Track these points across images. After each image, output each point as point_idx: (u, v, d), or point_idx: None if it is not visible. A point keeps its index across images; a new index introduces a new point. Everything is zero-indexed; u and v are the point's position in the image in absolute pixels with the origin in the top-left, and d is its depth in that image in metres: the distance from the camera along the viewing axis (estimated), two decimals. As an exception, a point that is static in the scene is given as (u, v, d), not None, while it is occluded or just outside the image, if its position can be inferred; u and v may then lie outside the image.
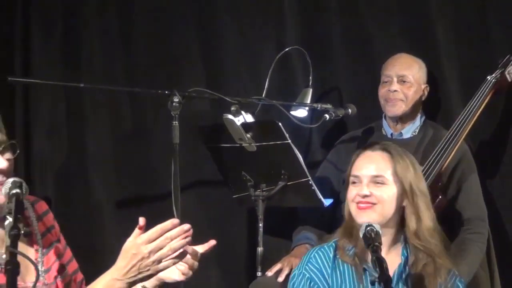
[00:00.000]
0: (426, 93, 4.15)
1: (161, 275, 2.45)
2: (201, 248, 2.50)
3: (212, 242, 2.51)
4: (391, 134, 4.17)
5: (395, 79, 4.09)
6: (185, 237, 2.25)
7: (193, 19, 4.66)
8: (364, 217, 3.01)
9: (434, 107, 4.27)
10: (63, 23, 4.72)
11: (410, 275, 3.02)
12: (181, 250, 2.27)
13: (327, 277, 3.03)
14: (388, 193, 3.04)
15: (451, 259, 3.10)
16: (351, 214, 3.08)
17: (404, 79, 4.08)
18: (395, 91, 4.08)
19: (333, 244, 3.11)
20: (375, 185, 3.05)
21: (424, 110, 4.18)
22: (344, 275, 3.03)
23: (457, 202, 3.96)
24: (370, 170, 3.08)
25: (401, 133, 4.14)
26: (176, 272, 2.48)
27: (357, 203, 3.05)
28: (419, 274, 3.00)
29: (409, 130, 4.14)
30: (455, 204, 3.96)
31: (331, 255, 3.06)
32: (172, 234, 2.24)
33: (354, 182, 3.10)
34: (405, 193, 3.05)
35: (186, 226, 2.26)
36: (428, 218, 3.05)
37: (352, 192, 3.09)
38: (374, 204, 3.03)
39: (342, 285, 3.01)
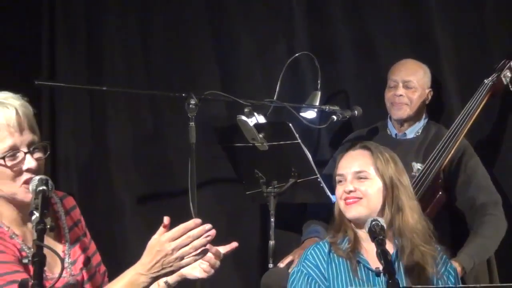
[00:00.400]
0: (430, 97, 4.15)
1: (184, 271, 2.46)
2: (223, 249, 2.50)
3: (234, 244, 2.52)
4: (396, 134, 4.17)
5: (400, 84, 4.08)
6: (206, 236, 2.26)
7: (208, 27, 4.67)
8: (352, 212, 3.02)
9: (434, 108, 4.26)
10: (87, 30, 4.74)
11: (403, 264, 3.00)
12: (202, 248, 2.28)
13: (323, 272, 3.01)
14: (373, 187, 3.03)
15: (440, 247, 3.09)
16: (341, 211, 3.08)
17: (409, 85, 4.08)
18: (400, 95, 4.08)
19: (328, 240, 3.10)
20: (359, 180, 3.05)
21: (425, 111, 4.18)
22: (340, 268, 3.01)
23: (468, 193, 3.93)
24: (352, 167, 3.07)
25: (405, 133, 4.14)
26: (198, 270, 2.49)
27: (345, 199, 3.04)
28: (411, 262, 2.98)
29: (413, 131, 4.13)
30: (467, 196, 3.93)
31: (327, 251, 3.05)
32: (194, 233, 2.25)
33: (340, 181, 3.10)
34: (386, 186, 3.04)
35: (208, 226, 2.26)
36: (409, 208, 3.03)
37: (339, 190, 3.08)
38: (360, 198, 3.02)
39: (338, 278, 3.00)
